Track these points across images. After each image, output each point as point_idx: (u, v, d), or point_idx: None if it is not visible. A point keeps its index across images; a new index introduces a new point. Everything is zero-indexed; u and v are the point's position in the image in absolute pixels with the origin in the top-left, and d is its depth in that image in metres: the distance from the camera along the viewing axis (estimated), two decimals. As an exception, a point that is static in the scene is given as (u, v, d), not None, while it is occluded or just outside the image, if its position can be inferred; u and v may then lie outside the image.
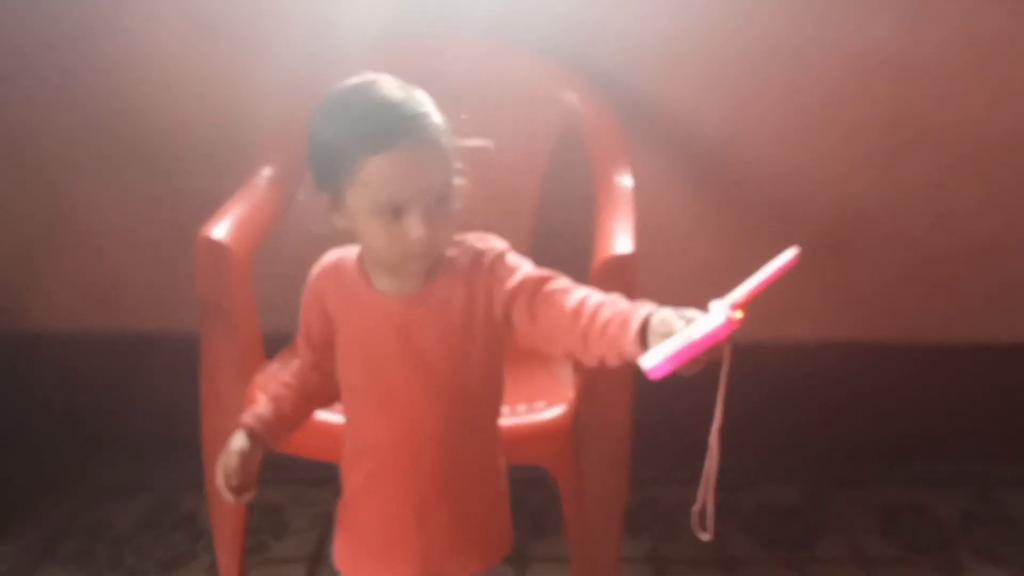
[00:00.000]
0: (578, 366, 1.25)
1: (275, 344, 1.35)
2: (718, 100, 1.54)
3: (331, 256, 0.97)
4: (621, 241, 1.16)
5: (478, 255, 0.92)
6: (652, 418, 1.47)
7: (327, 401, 1.02)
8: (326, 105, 0.89)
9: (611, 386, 1.19)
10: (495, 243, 0.93)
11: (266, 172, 1.40)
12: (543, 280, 0.89)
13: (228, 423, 1.28)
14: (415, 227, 0.85)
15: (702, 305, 1.80)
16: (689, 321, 0.78)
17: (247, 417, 0.98)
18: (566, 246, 1.34)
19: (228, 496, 0.94)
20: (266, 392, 1.02)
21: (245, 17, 1.51)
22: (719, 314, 0.77)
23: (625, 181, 1.33)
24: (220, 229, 1.21)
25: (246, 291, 1.25)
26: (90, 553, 1.57)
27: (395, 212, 0.85)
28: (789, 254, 0.80)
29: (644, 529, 1.62)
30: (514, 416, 1.19)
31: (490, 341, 0.92)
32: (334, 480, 1.85)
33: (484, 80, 1.46)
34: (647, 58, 1.51)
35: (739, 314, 0.79)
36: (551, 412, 1.21)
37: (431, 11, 1.51)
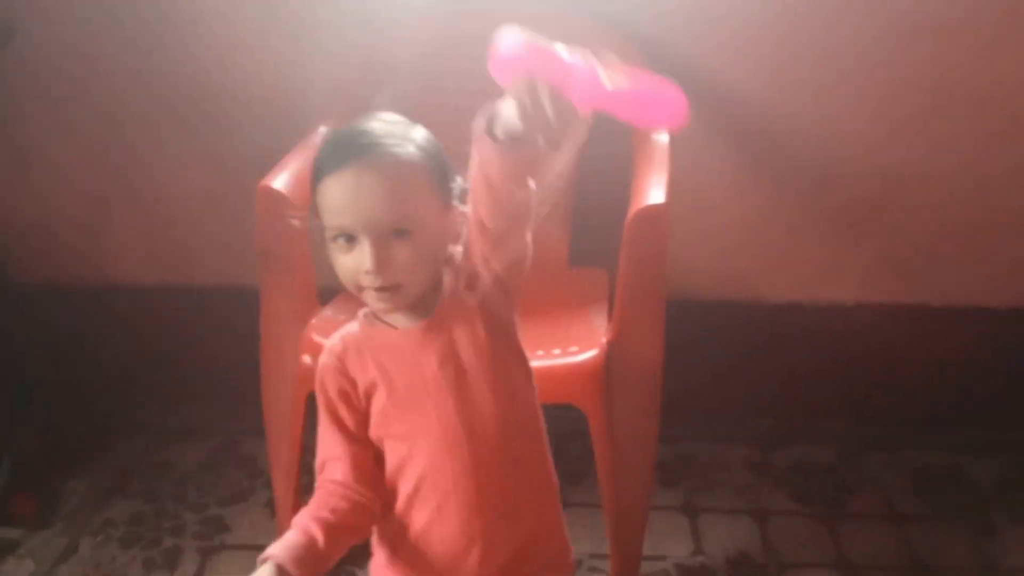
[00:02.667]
0: (611, 314, 1.30)
1: (328, 296, 1.41)
2: (755, 62, 1.55)
3: (332, 342, 0.94)
4: (654, 193, 1.21)
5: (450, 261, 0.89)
6: (686, 379, 1.51)
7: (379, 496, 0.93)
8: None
9: (643, 332, 1.25)
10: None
11: (323, 131, 1.47)
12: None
13: (285, 365, 1.38)
14: (364, 258, 0.83)
15: (733, 256, 1.82)
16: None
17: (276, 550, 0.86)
18: (605, 199, 1.38)
19: None
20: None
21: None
22: (588, 60, 0.75)
23: (662, 138, 1.37)
24: (279, 180, 1.29)
25: (302, 239, 1.32)
26: (155, 490, 1.67)
27: (348, 240, 0.84)
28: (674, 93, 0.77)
29: (678, 482, 1.67)
30: (549, 358, 1.25)
31: (510, 343, 0.91)
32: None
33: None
34: (687, 21, 1.54)
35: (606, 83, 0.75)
36: (585, 355, 1.26)
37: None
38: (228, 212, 1.73)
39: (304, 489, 1.62)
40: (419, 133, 0.88)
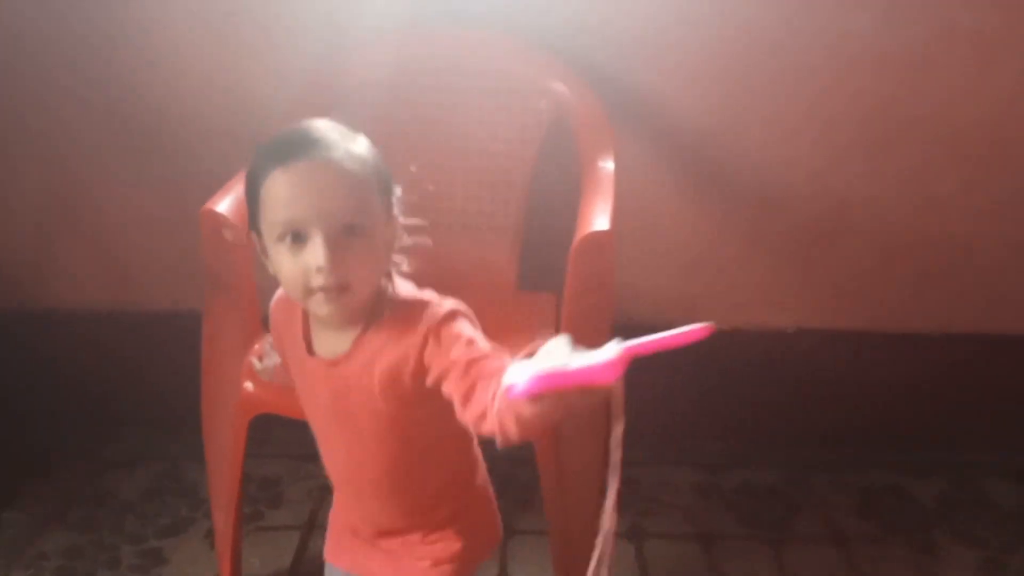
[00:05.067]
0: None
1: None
2: (702, 91, 1.58)
3: (279, 296, 0.96)
4: (599, 220, 1.21)
5: (420, 309, 0.85)
6: (633, 402, 1.52)
7: None
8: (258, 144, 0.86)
9: (589, 358, 1.25)
10: (447, 303, 0.86)
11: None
12: (474, 362, 0.81)
13: (227, 391, 1.35)
14: (315, 254, 0.80)
15: (681, 281, 1.83)
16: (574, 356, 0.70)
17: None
18: (554, 228, 1.39)
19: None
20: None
21: (256, 6, 1.57)
22: (606, 353, 0.69)
23: (608, 165, 1.38)
24: (223, 204, 1.28)
25: (246, 263, 1.31)
26: (93, 520, 1.63)
27: (296, 238, 0.81)
28: (703, 326, 0.71)
29: (626, 507, 1.65)
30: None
31: (425, 392, 0.86)
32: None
33: (478, 70, 1.52)
34: (634, 49, 1.56)
35: (621, 355, 0.70)
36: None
37: (431, 4, 1.57)
38: (172, 236, 1.71)
39: (246, 519, 1.59)
40: (361, 140, 0.87)
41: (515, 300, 1.53)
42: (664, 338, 0.70)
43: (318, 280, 0.81)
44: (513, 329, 1.44)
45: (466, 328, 0.84)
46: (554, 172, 1.54)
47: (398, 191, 0.89)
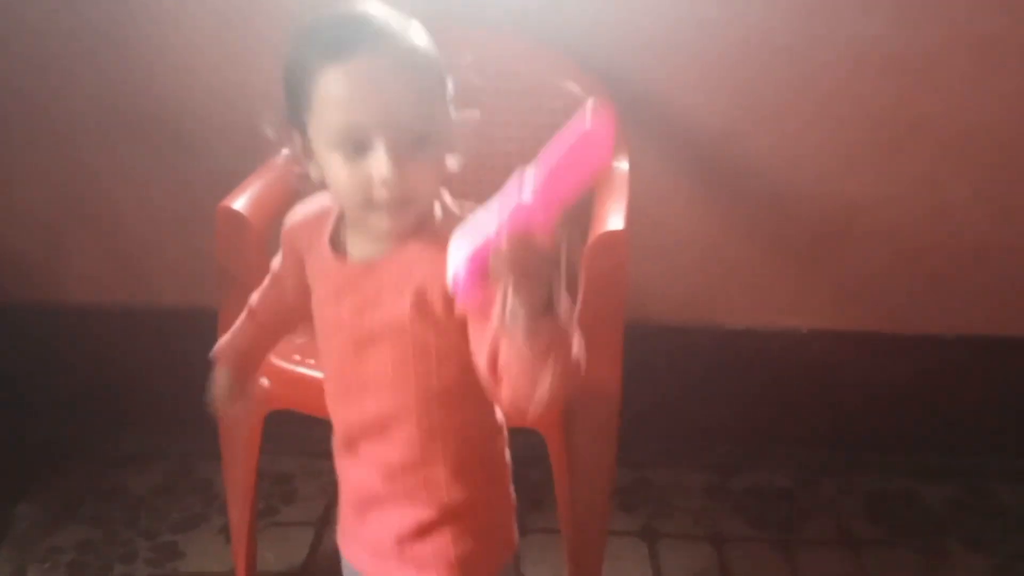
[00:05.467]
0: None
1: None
2: (714, 92, 1.58)
3: (316, 202, 0.86)
4: (613, 219, 1.22)
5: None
6: (645, 403, 1.52)
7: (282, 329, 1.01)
8: (297, 27, 0.76)
9: (602, 357, 1.25)
10: None
11: (284, 152, 1.47)
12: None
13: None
14: (379, 165, 0.71)
15: (692, 281, 1.83)
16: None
17: (225, 349, 0.97)
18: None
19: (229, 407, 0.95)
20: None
21: (271, 1, 1.57)
22: (513, 191, 0.62)
23: (621, 165, 1.39)
24: (239, 201, 1.29)
25: (262, 261, 1.30)
26: (107, 515, 1.64)
27: (357, 146, 0.72)
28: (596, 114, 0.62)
29: (637, 507, 1.67)
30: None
31: (452, 322, 0.76)
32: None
33: (491, 71, 1.53)
34: (646, 50, 1.56)
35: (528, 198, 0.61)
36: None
37: (444, 3, 1.58)
38: (186, 232, 1.72)
39: (260, 514, 1.60)
40: (418, 27, 0.76)
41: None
42: (561, 150, 0.61)
43: (382, 193, 0.72)
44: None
45: None
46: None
47: (451, 85, 0.78)
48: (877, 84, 1.56)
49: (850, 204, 1.66)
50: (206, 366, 1.44)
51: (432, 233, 0.77)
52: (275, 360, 1.29)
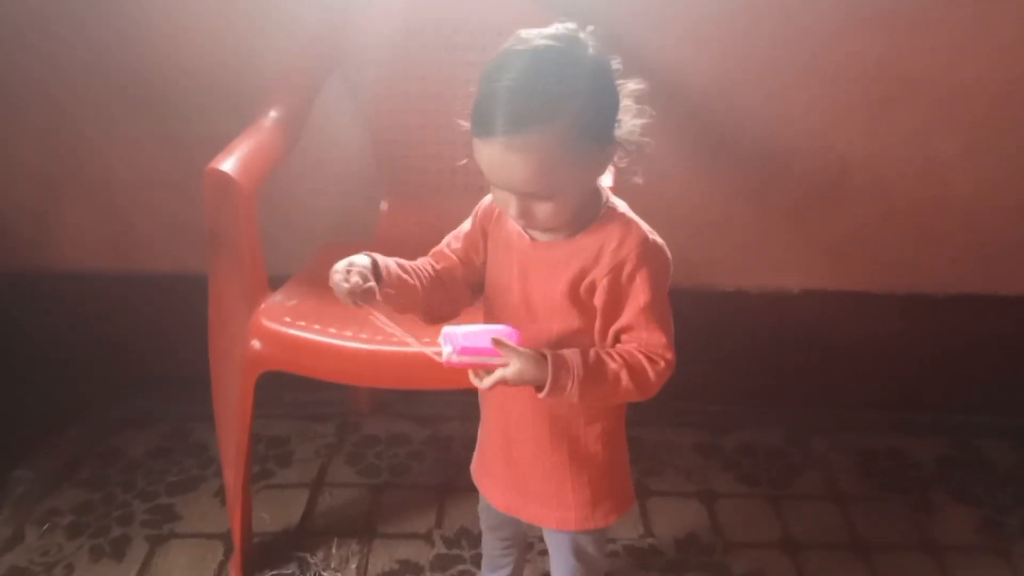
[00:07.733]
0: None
1: (278, 283, 1.41)
2: (706, 52, 1.57)
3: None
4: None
5: (627, 230, 0.93)
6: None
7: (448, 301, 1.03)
8: (493, 60, 0.87)
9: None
10: (656, 239, 0.95)
11: (272, 114, 1.47)
12: (632, 329, 0.95)
13: (234, 351, 1.37)
14: (510, 208, 0.90)
15: (682, 242, 1.84)
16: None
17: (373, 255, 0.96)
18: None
19: (345, 296, 0.90)
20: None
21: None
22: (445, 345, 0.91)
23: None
24: (227, 163, 1.28)
25: (251, 222, 1.31)
26: (104, 477, 1.65)
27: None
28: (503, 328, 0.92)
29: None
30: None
31: (590, 308, 0.96)
32: (335, 416, 1.93)
33: (483, 29, 1.52)
34: (635, 9, 1.55)
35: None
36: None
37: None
38: (179, 197, 1.72)
39: (254, 478, 1.62)
40: (581, 77, 0.86)
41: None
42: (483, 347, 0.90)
43: (512, 214, 0.91)
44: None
45: (653, 283, 0.94)
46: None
47: (623, 106, 0.92)
48: (868, 39, 1.55)
49: (840, 160, 1.66)
50: (197, 330, 1.45)
51: (595, 229, 0.94)
52: (266, 322, 1.29)
